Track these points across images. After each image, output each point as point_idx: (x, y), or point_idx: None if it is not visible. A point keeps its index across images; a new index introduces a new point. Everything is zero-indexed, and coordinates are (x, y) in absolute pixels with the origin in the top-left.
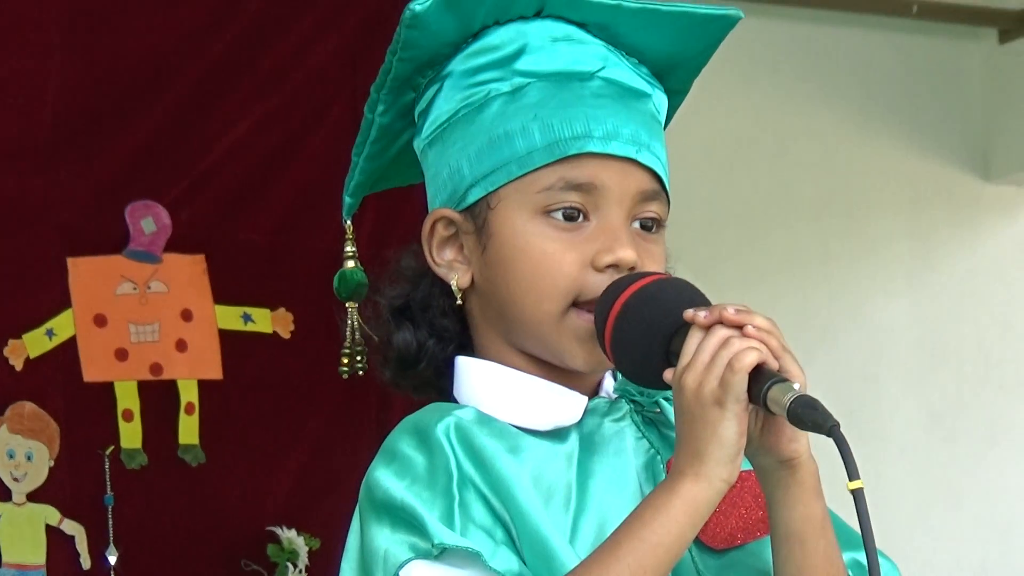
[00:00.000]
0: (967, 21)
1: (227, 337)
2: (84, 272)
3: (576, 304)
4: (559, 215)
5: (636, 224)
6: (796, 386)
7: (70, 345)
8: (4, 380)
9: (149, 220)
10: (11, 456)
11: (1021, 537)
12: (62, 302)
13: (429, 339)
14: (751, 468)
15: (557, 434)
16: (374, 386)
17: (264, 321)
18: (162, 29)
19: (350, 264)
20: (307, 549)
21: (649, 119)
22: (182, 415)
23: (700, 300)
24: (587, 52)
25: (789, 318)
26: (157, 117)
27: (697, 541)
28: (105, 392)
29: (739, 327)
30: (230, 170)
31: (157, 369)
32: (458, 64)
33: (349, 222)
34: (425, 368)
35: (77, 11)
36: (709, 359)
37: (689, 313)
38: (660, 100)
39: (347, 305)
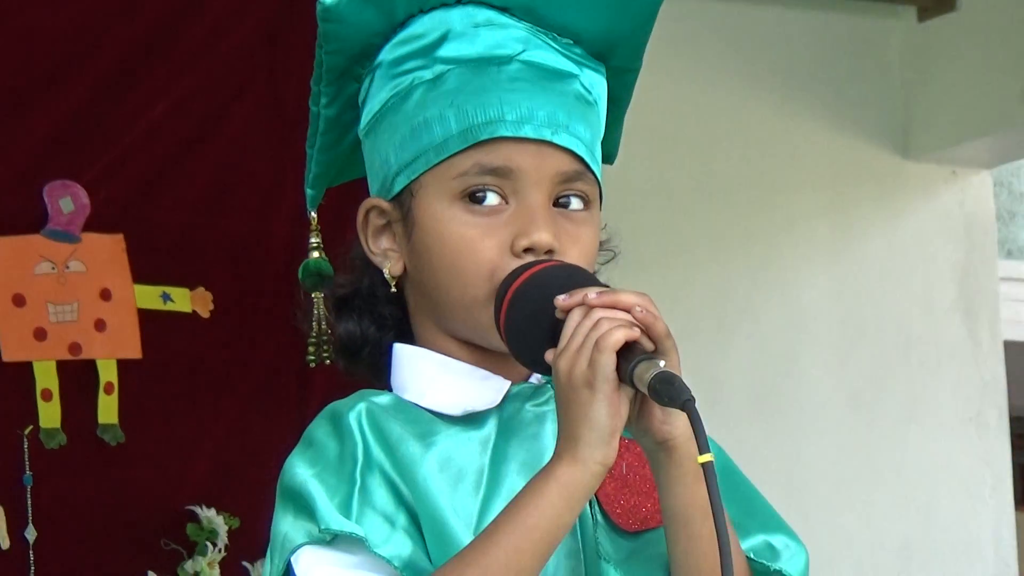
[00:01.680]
0: None
1: (146, 317)
2: (1, 252)
3: None
4: (475, 200)
5: (559, 206)
6: (661, 363)
7: None
8: None
9: (67, 200)
10: None
11: (941, 514)
12: None
13: (370, 327)
14: None
15: (473, 419)
16: (294, 366)
17: (183, 300)
18: (79, 7)
19: (315, 255)
20: (226, 528)
21: (572, 100)
22: (101, 395)
23: (590, 282)
24: (507, 36)
25: (709, 296)
26: (74, 97)
27: (610, 523)
28: (24, 372)
29: (611, 307)
30: (148, 150)
31: (76, 349)
32: (386, 54)
33: (313, 213)
34: (368, 355)
35: None
36: (581, 341)
37: (559, 299)
38: (591, 79)
39: (312, 295)
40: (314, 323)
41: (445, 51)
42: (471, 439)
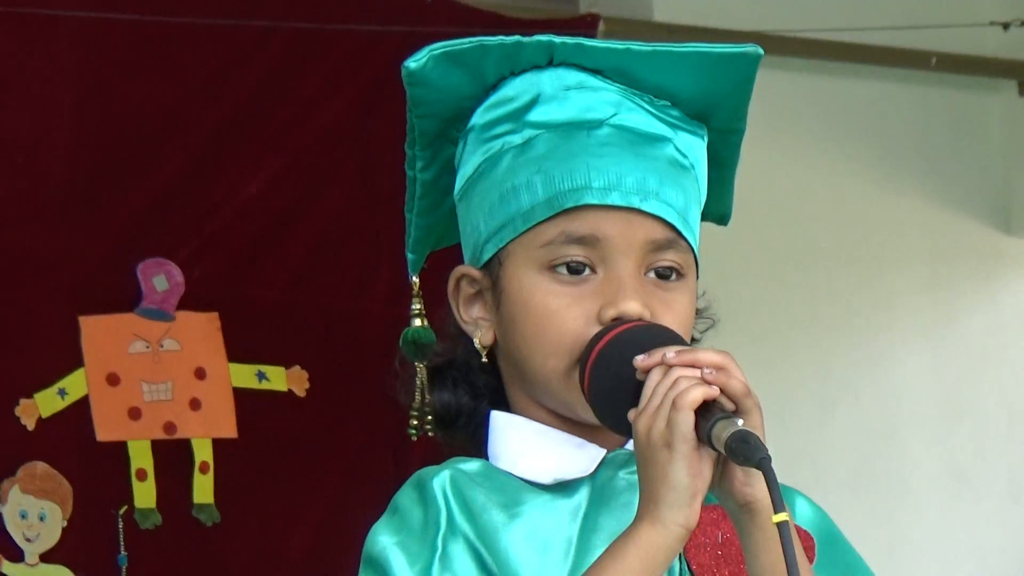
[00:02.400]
0: (986, 73)
1: (241, 395)
2: (96, 330)
3: None
4: (563, 269)
5: (652, 275)
6: (739, 422)
7: (83, 404)
8: (16, 440)
9: (161, 278)
10: (24, 517)
11: None
12: (74, 361)
13: (464, 397)
14: None
15: (564, 488)
16: (390, 443)
17: (279, 379)
18: (173, 85)
19: (416, 322)
20: None
21: (664, 164)
22: (196, 474)
23: (672, 342)
24: (599, 99)
25: (808, 373)
26: (168, 174)
27: None
28: (118, 451)
29: (692, 367)
30: (243, 227)
31: (171, 428)
32: (478, 117)
33: (415, 279)
34: (464, 425)
35: (87, 67)
36: (659, 402)
37: (638, 359)
38: (687, 143)
39: (416, 365)
40: (416, 394)
41: (535, 115)
42: (560, 508)
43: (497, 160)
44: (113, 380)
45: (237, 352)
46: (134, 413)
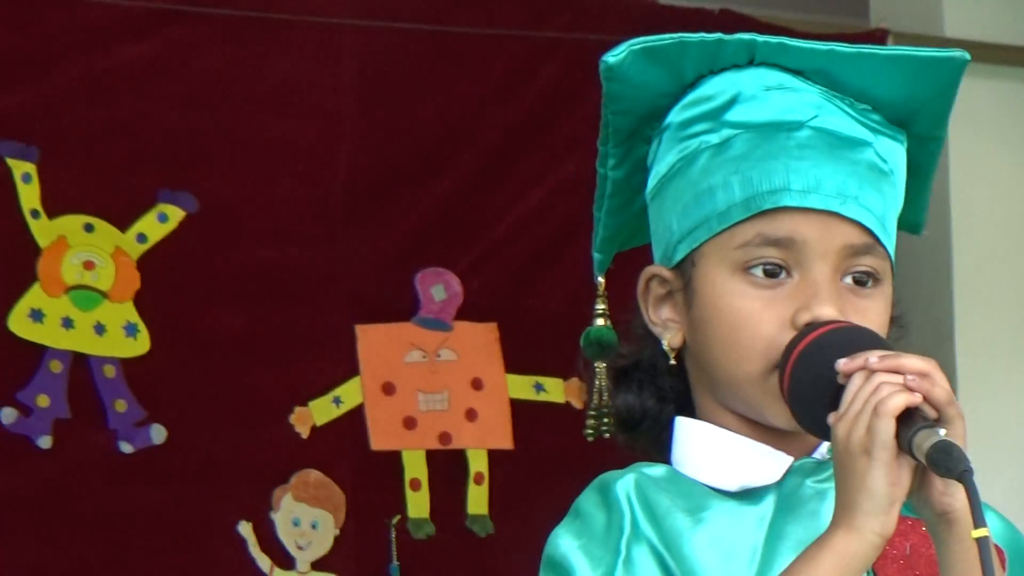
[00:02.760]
0: None
1: (518, 406)
2: (373, 340)
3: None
4: (758, 271)
5: (848, 280)
6: (942, 432)
7: (357, 413)
8: (290, 448)
9: (440, 288)
10: (296, 524)
11: None
12: (350, 370)
13: (650, 400)
14: None
15: (751, 495)
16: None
17: (556, 391)
18: (456, 96)
19: (599, 322)
20: None
21: (864, 169)
22: (471, 485)
23: (875, 345)
24: (800, 100)
25: None
26: (449, 184)
27: None
28: (393, 461)
29: (895, 372)
30: (524, 237)
31: (446, 438)
32: (675, 116)
33: (600, 279)
34: (647, 429)
35: (369, 78)
36: (860, 407)
37: (840, 362)
38: (888, 148)
39: (595, 366)
40: (594, 394)
41: (734, 115)
42: (746, 515)
43: (693, 159)
44: (389, 389)
45: (515, 363)
46: (409, 423)
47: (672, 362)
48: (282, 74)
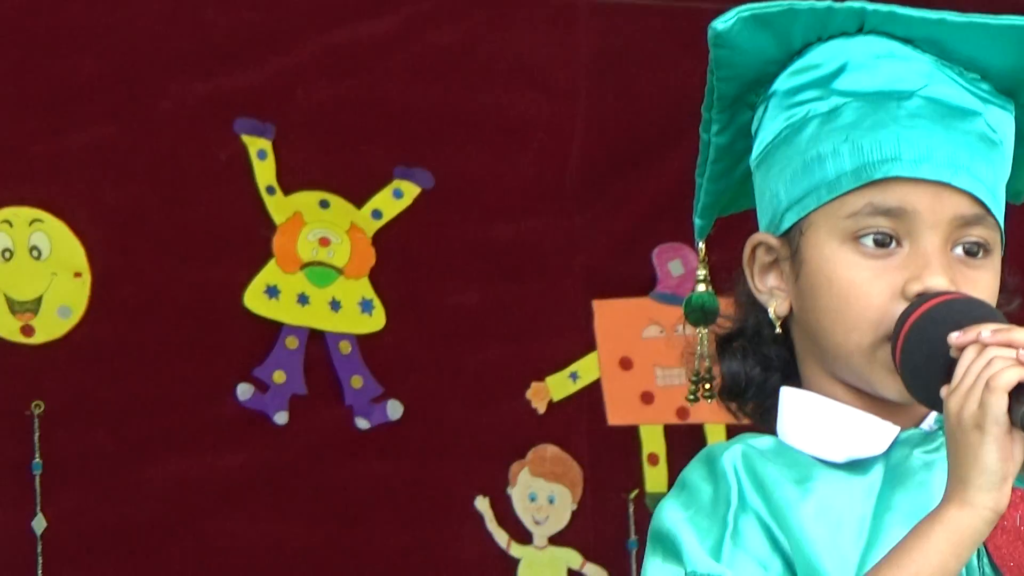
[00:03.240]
0: None
1: None
2: (610, 314)
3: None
4: (868, 241)
5: (958, 250)
6: None
7: (594, 388)
8: (527, 423)
9: (677, 262)
10: (533, 499)
11: None
12: (587, 345)
13: (755, 368)
14: None
15: (858, 466)
16: None
17: None
18: (689, 70)
19: (700, 288)
20: None
21: (975, 139)
22: None
23: (990, 317)
24: (909, 69)
25: None
26: (684, 159)
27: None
28: (630, 435)
29: (1009, 346)
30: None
31: (683, 413)
32: (782, 83)
33: (702, 244)
34: (752, 397)
35: (604, 54)
36: (972, 381)
37: (952, 336)
38: (997, 118)
39: (697, 331)
40: (695, 360)
41: (843, 83)
42: (854, 486)
43: (801, 127)
44: (626, 364)
45: None
46: (647, 397)
47: (778, 331)
48: (518, 50)
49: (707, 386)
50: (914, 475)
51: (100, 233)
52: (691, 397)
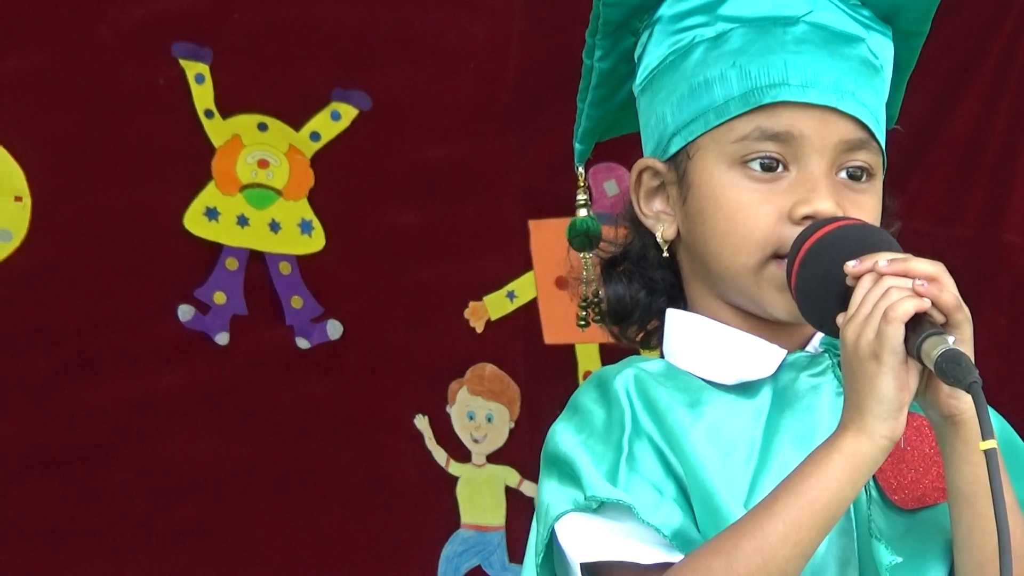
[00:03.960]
0: None
1: None
2: (546, 234)
3: (778, 256)
4: (756, 165)
5: (843, 174)
6: (951, 340)
7: (531, 307)
8: (465, 342)
9: (612, 182)
10: (471, 418)
11: None
12: (524, 264)
13: (640, 291)
14: None
15: (746, 388)
16: None
17: None
18: None
19: (582, 212)
20: None
21: (859, 64)
22: None
23: (885, 245)
24: None
25: None
26: None
27: (885, 500)
28: (566, 354)
29: (903, 275)
30: None
31: None
32: (667, 8)
33: (581, 169)
34: (639, 321)
35: None
36: (869, 310)
37: (849, 265)
38: (879, 44)
39: (581, 256)
40: (583, 285)
41: (729, 9)
42: (743, 409)
43: (687, 52)
44: (562, 283)
45: None
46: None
47: (665, 254)
48: None
49: (595, 310)
50: (801, 398)
51: (40, 157)
52: (581, 323)
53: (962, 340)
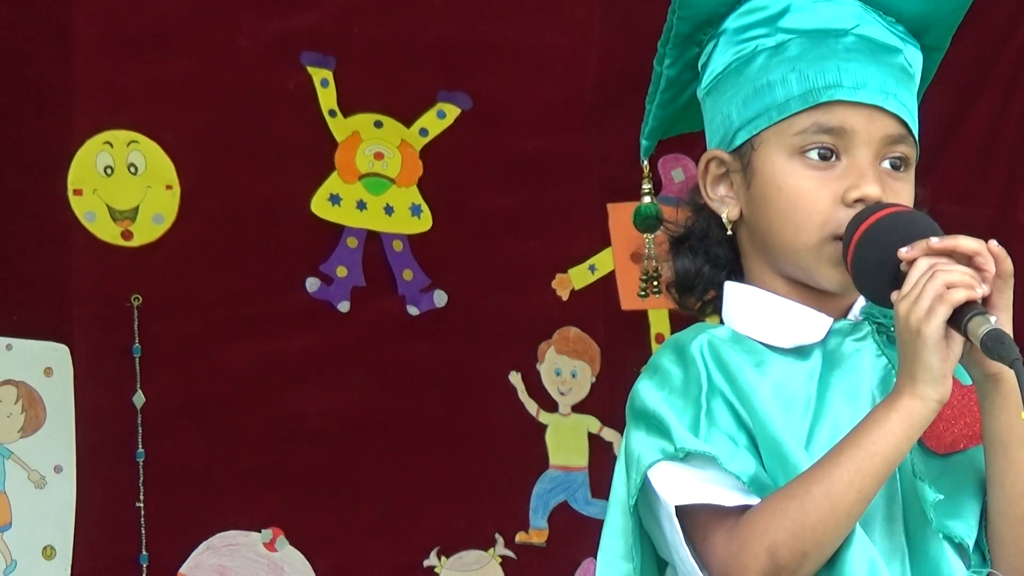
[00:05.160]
0: None
1: None
2: (622, 215)
3: (834, 237)
4: (813, 155)
5: (885, 164)
6: (992, 319)
7: (609, 278)
8: (552, 309)
9: (679, 171)
10: (558, 374)
11: None
12: (603, 241)
13: (704, 265)
14: None
15: (801, 351)
16: None
17: None
18: None
19: (646, 199)
20: None
21: (898, 71)
22: None
23: (931, 231)
24: (843, 12)
25: None
26: None
27: (922, 446)
28: (640, 319)
29: (951, 251)
30: None
31: None
32: (732, 22)
33: (646, 162)
34: (702, 291)
35: None
36: (919, 291)
37: (902, 251)
38: (912, 55)
39: (644, 236)
40: (646, 261)
41: (787, 22)
42: (800, 370)
43: (751, 59)
44: (636, 258)
45: None
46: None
47: (729, 232)
48: None
49: (655, 283)
50: (847, 359)
51: (187, 151)
52: (641, 293)
53: (1003, 315)
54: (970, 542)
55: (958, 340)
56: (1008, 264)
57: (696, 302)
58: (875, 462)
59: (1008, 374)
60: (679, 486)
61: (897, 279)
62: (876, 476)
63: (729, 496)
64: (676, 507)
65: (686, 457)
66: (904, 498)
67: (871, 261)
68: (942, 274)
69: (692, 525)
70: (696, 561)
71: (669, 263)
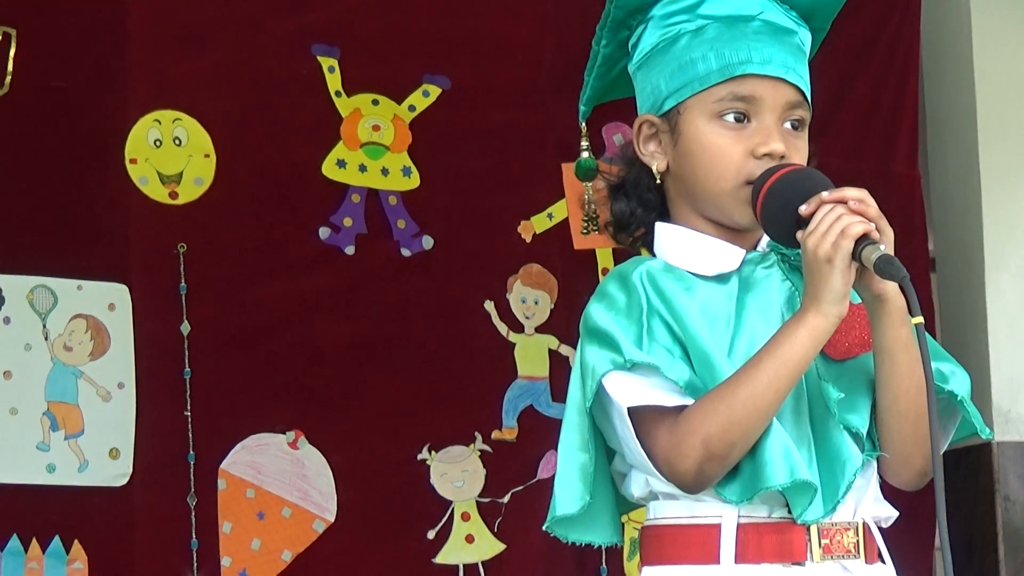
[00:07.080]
0: None
1: None
2: (573, 172)
3: (747, 182)
4: (729, 118)
5: (787, 124)
6: (882, 247)
7: (564, 224)
8: (518, 249)
9: (619, 136)
10: (523, 301)
11: None
12: (558, 194)
13: (638, 208)
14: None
15: (721, 278)
16: None
17: None
18: None
19: (584, 154)
20: None
21: (795, 49)
22: None
23: (822, 184)
24: (750, 1)
25: None
26: None
27: (823, 354)
28: (589, 256)
29: (843, 202)
30: None
31: None
32: (658, 10)
33: (583, 124)
34: (634, 229)
35: None
36: (826, 228)
37: (802, 208)
38: (805, 36)
39: (584, 184)
40: (586, 204)
41: (705, 9)
42: (721, 292)
43: (675, 40)
44: (579, 202)
45: None
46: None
47: (658, 181)
48: None
49: (594, 223)
50: (759, 284)
51: (221, 125)
52: (584, 231)
53: (888, 243)
54: (864, 431)
55: (853, 266)
56: (877, 208)
57: (628, 238)
58: (788, 367)
59: (892, 293)
60: (629, 391)
61: (798, 223)
62: (789, 378)
63: (669, 398)
64: (629, 408)
65: (633, 367)
66: (809, 396)
67: (775, 210)
68: (844, 216)
69: (639, 423)
70: (644, 451)
71: (607, 207)
